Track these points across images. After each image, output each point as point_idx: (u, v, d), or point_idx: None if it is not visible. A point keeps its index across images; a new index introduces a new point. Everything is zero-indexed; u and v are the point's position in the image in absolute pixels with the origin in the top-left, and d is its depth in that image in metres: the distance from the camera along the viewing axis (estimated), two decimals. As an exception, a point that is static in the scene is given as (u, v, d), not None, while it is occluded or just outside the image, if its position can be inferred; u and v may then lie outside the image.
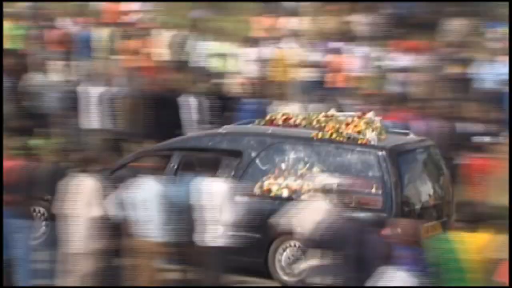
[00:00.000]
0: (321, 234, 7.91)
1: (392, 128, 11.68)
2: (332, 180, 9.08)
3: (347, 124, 10.93)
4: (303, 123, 11.30)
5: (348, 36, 17.94)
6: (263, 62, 17.54)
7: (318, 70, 16.91)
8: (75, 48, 18.41)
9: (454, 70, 17.04)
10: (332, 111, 11.78)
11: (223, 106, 14.71)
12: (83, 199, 9.18)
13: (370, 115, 11.39)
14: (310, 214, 8.46)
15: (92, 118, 14.95)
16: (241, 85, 16.52)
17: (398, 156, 10.54)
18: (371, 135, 10.68)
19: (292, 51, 17.33)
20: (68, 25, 19.06)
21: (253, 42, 18.03)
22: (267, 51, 17.71)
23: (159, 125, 13.96)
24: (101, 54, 18.51)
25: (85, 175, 9.31)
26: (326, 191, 8.79)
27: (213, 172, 9.75)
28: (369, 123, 11.00)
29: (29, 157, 10.01)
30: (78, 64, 17.40)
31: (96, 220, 9.18)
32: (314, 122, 11.20)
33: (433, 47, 18.06)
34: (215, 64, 17.83)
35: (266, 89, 17.18)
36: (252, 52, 17.55)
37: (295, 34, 18.23)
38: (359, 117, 11.15)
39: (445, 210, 10.87)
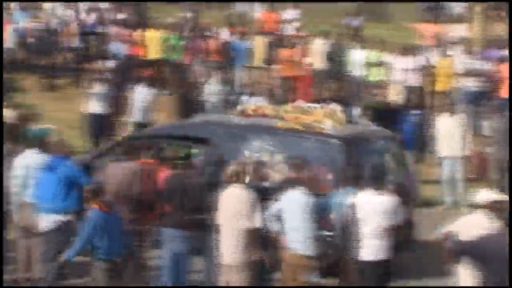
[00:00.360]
0: (478, 247, 7.63)
1: None
2: (499, 196, 8.72)
3: (309, 114, 11.63)
4: (272, 113, 11.90)
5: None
6: (424, 70, 17.29)
7: (483, 79, 16.46)
8: (231, 57, 18.86)
9: None
10: (300, 103, 12.47)
11: (382, 116, 14.45)
12: (235, 210, 9.21)
13: (332, 106, 12.10)
14: (472, 227, 8.18)
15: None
16: (400, 95, 16.21)
17: (352, 145, 10.93)
18: (328, 125, 11.26)
19: (456, 59, 16.94)
20: (225, 34, 19.47)
21: (413, 50, 17.83)
22: (429, 59, 17.48)
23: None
24: (257, 63, 18.82)
25: (238, 186, 9.34)
26: (490, 206, 8.46)
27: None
28: (330, 114, 11.62)
29: (184, 167, 10.18)
30: (234, 73, 17.69)
31: (248, 232, 9.18)
32: (282, 113, 11.84)
33: None
34: (371, 73, 17.73)
35: (428, 99, 16.89)
36: (412, 61, 17.31)
37: (459, 42, 17.76)
38: (323, 108, 11.84)
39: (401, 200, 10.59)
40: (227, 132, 11.51)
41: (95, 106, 15.71)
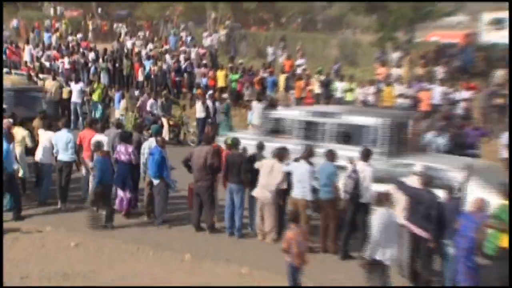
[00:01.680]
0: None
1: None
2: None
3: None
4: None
5: (431, 79, 17.21)
6: (378, 94, 17.15)
7: (411, 100, 16.29)
8: (265, 86, 18.73)
9: (498, 101, 15.93)
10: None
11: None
12: (272, 174, 9.01)
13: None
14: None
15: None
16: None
17: (18, 92, 13.01)
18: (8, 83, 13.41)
19: (395, 87, 16.79)
20: (264, 73, 19.51)
21: (373, 82, 17.65)
22: (381, 87, 17.28)
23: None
24: (281, 90, 18.92)
25: (274, 159, 9.14)
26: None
27: None
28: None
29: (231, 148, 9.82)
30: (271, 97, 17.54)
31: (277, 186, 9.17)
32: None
33: (485, 86, 17.01)
34: (348, 96, 17.70)
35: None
36: (371, 89, 17.21)
37: (398, 78, 17.78)
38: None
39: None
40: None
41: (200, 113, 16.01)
